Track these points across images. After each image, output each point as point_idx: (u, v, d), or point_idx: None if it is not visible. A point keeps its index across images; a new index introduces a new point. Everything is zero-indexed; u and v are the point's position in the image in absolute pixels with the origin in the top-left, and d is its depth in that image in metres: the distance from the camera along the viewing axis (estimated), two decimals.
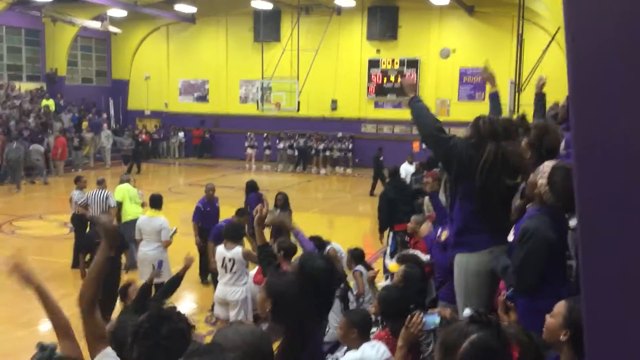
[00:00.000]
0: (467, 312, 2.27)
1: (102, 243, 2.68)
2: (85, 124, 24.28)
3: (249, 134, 25.88)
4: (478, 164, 3.30)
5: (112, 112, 27.49)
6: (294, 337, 2.93)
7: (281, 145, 25.09)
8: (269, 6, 23.91)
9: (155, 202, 8.09)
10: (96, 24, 24.82)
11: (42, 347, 2.40)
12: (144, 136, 25.43)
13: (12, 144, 18.23)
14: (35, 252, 10.96)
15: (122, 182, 10.15)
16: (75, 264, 9.49)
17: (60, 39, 25.89)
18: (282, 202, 9.26)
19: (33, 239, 12.11)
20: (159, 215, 7.92)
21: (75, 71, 27.60)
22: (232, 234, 6.62)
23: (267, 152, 25.44)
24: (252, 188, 10.05)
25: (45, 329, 6.92)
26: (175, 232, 7.90)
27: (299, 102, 25.58)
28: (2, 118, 20.95)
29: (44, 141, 20.36)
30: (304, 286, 3.05)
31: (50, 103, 24.33)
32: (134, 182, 10.40)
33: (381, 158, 18.43)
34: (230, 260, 6.45)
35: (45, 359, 2.39)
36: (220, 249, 6.57)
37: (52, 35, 25.87)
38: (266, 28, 26.02)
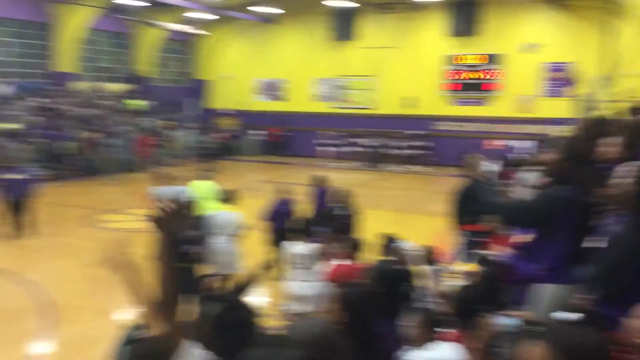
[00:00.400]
0: (570, 315, 2.12)
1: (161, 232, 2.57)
2: (167, 123, 25.20)
3: (324, 132, 26.00)
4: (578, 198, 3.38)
5: (193, 111, 28.40)
6: (366, 344, 2.92)
7: (356, 143, 25.05)
8: (346, 4, 23.87)
9: (229, 197, 8.30)
10: (181, 27, 25.81)
11: (135, 327, 2.47)
12: (222, 134, 26.11)
13: (106, 142, 19.36)
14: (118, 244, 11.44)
15: (201, 178, 10.45)
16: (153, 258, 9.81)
17: (147, 41, 27.05)
18: (343, 199, 9.22)
19: (116, 231, 12.66)
20: (233, 209, 8.11)
21: (160, 72, 28.73)
22: (304, 229, 6.70)
23: (342, 149, 25.46)
24: (319, 182, 10.28)
25: (123, 317, 7.19)
26: (248, 227, 8.05)
27: (374, 100, 25.44)
28: (93, 118, 22.13)
29: (130, 139, 21.36)
30: (377, 293, 3.06)
31: (138, 103, 25.50)
32: (212, 178, 10.66)
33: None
34: (299, 255, 6.49)
35: (134, 338, 2.46)
36: (290, 245, 6.62)
37: (139, 38, 27.07)
38: (342, 26, 26.05)
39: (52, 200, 14.75)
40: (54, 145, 19.39)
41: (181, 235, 7.22)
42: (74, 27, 23.64)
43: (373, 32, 25.40)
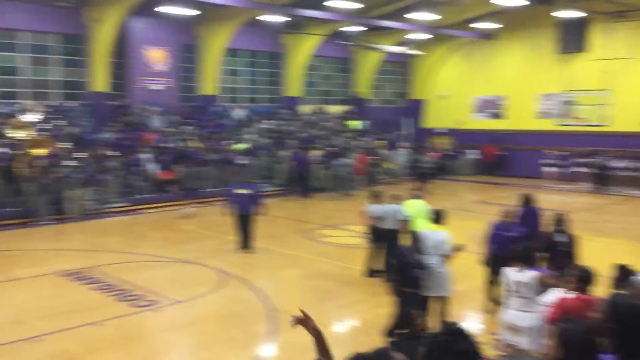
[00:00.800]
0: None
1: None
2: (383, 143, 25.82)
3: (547, 151, 24.36)
4: None
5: (408, 130, 28.72)
6: None
7: (584, 163, 23.01)
8: (576, 14, 22.14)
9: (438, 216, 8.19)
10: (398, 49, 26.38)
11: None
12: (437, 154, 25.91)
13: (328, 160, 20.89)
14: (334, 258, 11.94)
15: (414, 197, 10.46)
16: (371, 273, 10.07)
17: (365, 64, 28.15)
18: (561, 224, 8.43)
19: (333, 246, 13.23)
20: (441, 229, 7.97)
21: (377, 93, 29.67)
22: (524, 255, 6.27)
23: (568, 170, 23.57)
24: (527, 201, 9.79)
25: (339, 330, 7.41)
26: (458, 248, 7.80)
27: (608, 116, 23.22)
28: (317, 138, 23.66)
29: (350, 158, 22.37)
30: (609, 330, 2.77)
31: (357, 123, 26.64)
32: (423, 198, 10.61)
33: None
34: (521, 284, 6.09)
35: None
36: (510, 272, 6.24)
37: (358, 62, 28.27)
38: (570, 38, 24.26)
39: (277, 214, 15.96)
40: (282, 164, 21.06)
41: (412, 260, 7.24)
42: (301, 55, 25.59)
43: (605, 42, 23.20)
